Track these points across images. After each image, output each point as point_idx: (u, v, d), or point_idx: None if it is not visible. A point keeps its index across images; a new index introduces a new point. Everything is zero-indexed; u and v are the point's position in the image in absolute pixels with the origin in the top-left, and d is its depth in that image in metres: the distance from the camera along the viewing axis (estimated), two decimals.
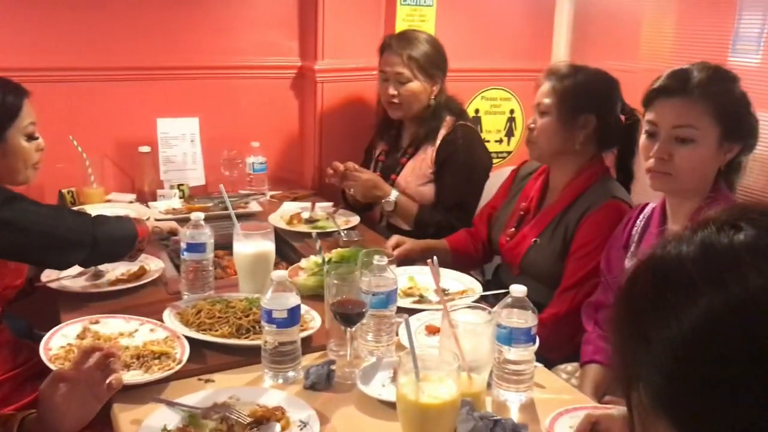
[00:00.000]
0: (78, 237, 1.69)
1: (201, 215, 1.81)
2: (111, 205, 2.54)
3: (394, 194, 2.46)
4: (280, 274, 1.45)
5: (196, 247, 1.79)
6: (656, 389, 0.56)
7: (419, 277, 1.97)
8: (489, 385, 1.40)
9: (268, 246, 1.81)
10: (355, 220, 2.50)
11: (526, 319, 1.40)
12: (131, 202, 2.63)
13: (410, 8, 2.94)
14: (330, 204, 2.65)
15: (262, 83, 2.90)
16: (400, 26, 2.90)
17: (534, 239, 2.05)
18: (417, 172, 2.54)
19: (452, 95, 2.63)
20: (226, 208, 2.50)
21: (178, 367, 1.45)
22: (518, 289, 1.40)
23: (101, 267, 1.94)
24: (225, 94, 2.82)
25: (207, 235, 1.80)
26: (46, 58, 2.53)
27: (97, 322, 1.64)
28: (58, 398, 1.23)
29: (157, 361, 1.47)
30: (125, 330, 1.62)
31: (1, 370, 1.71)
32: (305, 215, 2.50)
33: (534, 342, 1.41)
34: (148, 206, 2.57)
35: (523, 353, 1.40)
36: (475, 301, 1.80)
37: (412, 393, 1.15)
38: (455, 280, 1.98)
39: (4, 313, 1.84)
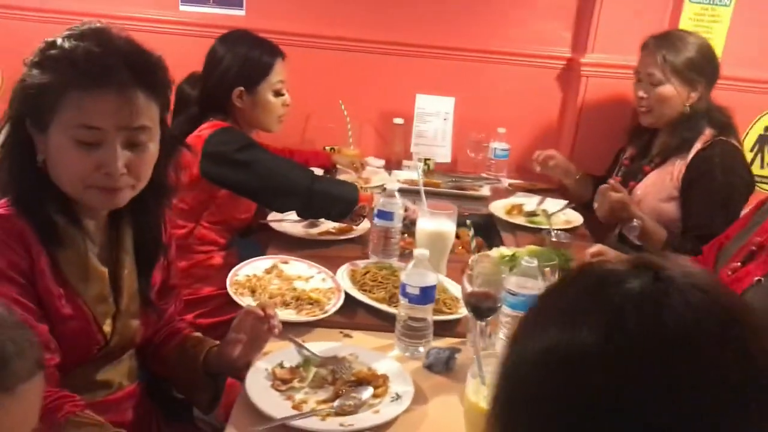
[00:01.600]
0: (294, 187, 1.94)
1: (396, 186, 1.92)
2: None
3: (637, 222, 2.24)
4: (422, 252, 1.49)
5: (385, 215, 1.90)
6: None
7: None
8: None
9: (448, 226, 1.85)
10: (578, 221, 2.39)
11: None
12: (380, 167, 2.85)
13: (700, 7, 2.66)
14: (565, 202, 2.56)
15: (525, 71, 2.88)
16: (684, 25, 2.65)
17: (758, 278, 1.77)
18: (659, 186, 2.32)
19: (722, 106, 2.33)
20: (457, 187, 2.63)
21: (321, 316, 1.59)
22: None
23: (314, 221, 2.18)
24: (483, 77, 2.88)
25: (398, 206, 1.90)
26: (329, 26, 2.84)
27: (286, 263, 1.86)
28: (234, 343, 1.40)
29: (309, 307, 1.63)
30: (304, 274, 1.81)
31: (218, 286, 2.02)
32: (529, 207, 2.47)
33: None
34: (389, 174, 2.76)
35: None
36: None
37: (474, 395, 1.13)
38: None
39: (233, 240, 2.17)
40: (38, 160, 1.21)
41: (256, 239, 2.29)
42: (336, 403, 1.28)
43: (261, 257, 1.88)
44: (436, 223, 1.84)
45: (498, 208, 2.45)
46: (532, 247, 1.99)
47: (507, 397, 0.53)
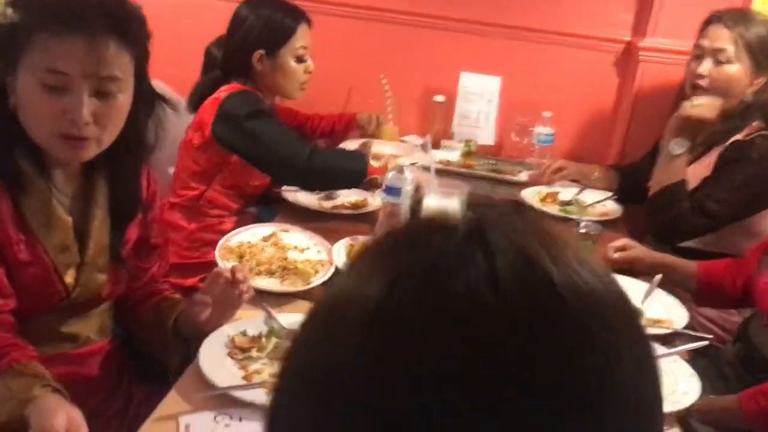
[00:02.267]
0: (292, 161, 1.89)
1: (406, 162, 1.83)
2: (398, 146, 2.69)
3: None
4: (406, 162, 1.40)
5: (392, 191, 1.81)
6: None
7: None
8: None
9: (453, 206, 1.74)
10: (615, 213, 2.23)
11: None
12: (420, 145, 2.75)
13: None
14: (608, 194, 2.39)
15: (579, 54, 2.71)
16: (757, 7, 2.41)
17: None
18: (697, 177, 2.12)
19: None
20: (494, 171, 2.51)
21: (303, 288, 1.52)
22: None
23: (330, 193, 2.12)
24: (533, 58, 2.72)
25: (406, 182, 1.81)
26: None
27: (286, 231, 1.81)
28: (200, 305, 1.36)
29: (294, 277, 1.57)
30: (300, 245, 1.75)
31: None
32: (565, 197, 2.32)
33: None
34: (425, 152, 2.66)
35: None
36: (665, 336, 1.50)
37: None
38: (660, 304, 1.65)
39: (247, 206, 2.14)
40: (9, 104, 1.20)
41: (276, 208, 2.26)
42: None
43: (262, 224, 1.83)
44: (439, 201, 1.74)
45: (530, 194, 2.32)
46: None
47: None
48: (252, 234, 1.77)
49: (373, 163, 1.97)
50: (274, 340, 1.33)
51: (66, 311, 1.34)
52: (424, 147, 2.02)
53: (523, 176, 2.52)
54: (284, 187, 2.11)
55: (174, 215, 2.06)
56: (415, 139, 2.78)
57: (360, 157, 1.98)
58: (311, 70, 2.12)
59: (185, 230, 2.04)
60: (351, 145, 2.63)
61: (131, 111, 1.28)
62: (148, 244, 1.48)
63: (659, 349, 1.44)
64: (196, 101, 2.05)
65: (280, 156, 1.91)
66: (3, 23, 1.17)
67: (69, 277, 1.29)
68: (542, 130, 2.66)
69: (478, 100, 2.76)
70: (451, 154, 2.66)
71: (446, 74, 2.75)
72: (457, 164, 2.57)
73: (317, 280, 1.56)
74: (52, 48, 1.15)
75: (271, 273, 1.58)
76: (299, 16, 2.06)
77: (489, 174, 2.50)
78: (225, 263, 1.60)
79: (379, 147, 2.60)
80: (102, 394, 1.41)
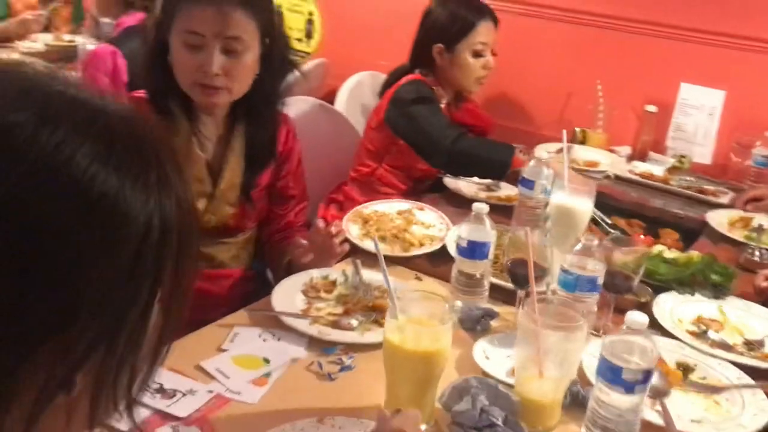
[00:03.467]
0: (436, 144, 2.03)
1: (544, 154, 1.83)
2: (601, 153, 2.62)
3: None
4: (481, 206, 1.44)
5: (527, 183, 1.82)
6: None
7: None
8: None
9: (580, 204, 1.70)
10: None
11: None
12: (625, 156, 2.64)
13: None
14: None
15: None
16: None
17: None
18: None
19: None
20: (695, 189, 2.33)
21: (396, 254, 1.64)
22: None
23: (494, 184, 2.17)
24: (761, 71, 2.43)
25: (543, 175, 1.81)
26: (594, 2, 2.71)
27: (421, 209, 1.93)
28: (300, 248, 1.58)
29: (397, 245, 1.69)
30: (428, 222, 1.85)
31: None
32: (760, 222, 2.06)
33: None
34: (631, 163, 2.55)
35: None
36: None
37: (390, 332, 1.10)
38: None
39: (417, 187, 2.29)
40: (168, 60, 1.53)
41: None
42: (332, 317, 1.36)
43: (402, 200, 1.98)
44: (569, 198, 1.71)
45: (718, 216, 2.10)
46: (695, 253, 1.70)
47: None
48: (389, 206, 1.92)
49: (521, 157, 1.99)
50: (343, 289, 1.48)
51: (203, 234, 1.63)
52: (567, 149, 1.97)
53: (726, 199, 2.28)
54: (445, 179, 2.22)
55: (352, 188, 2.30)
56: (624, 150, 2.68)
57: (508, 148, 2.01)
58: (490, 66, 2.20)
59: (357, 202, 2.26)
60: (550, 147, 2.64)
61: (262, 69, 1.54)
62: (283, 194, 1.73)
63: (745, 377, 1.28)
64: (383, 88, 2.27)
65: (429, 136, 2.04)
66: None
67: (200, 204, 1.59)
68: (761, 152, 2.37)
69: (697, 114, 2.56)
70: (655, 167, 2.51)
71: (664, 84, 2.60)
72: (657, 178, 2.42)
73: (416, 251, 1.66)
74: (191, 13, 1.45)
75: (383, 239, 1.72)
76: (483, 12, 2.16)
77: (684, 192, 2.31)
78: (348, 224, 1.78)
79: (582, 153, 2.59)
80: (224, 310, 1.69)
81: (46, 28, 3.44)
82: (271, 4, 1.53)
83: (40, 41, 3.35)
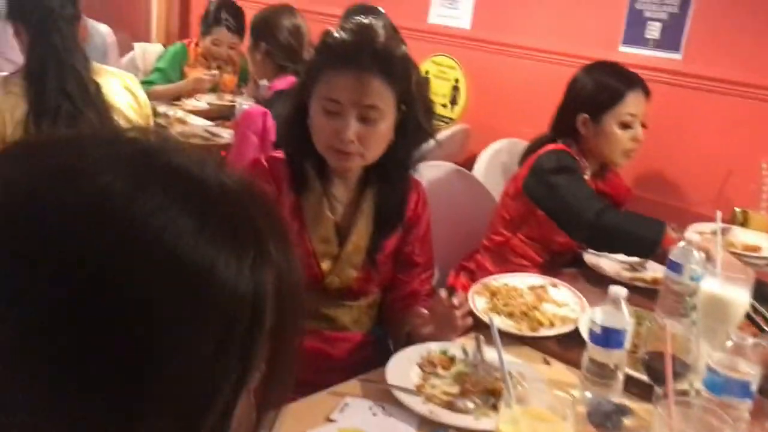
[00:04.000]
0: (579, 215, 1.91)
1: (695, 236, 1.66)
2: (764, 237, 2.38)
3: None
4: (618, 290, 1.32)
5: (673, 266, 1.66)
6: None
7: None
8: None
9: (735, 294, 1.52)
10: None
11: None
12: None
13: None
14: None
15: None
16: None
17: None
18: None
19: None
20: None
21: (524, 333, 1.54)
22: None
23: (640, 263, 2.01)
24: None
25: (691, 259, 1.64)
26: (763, 74, 2.51)
27: (555, 286, 1.82)
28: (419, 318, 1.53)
29: (524, 323, 1.60)
30: (561, 300, 1.74)
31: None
32: None
33: None
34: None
35: None
36: None
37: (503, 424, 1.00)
38: None
39: (554, 261, 2.17)
40: (307, 123, 1.56)
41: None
42: (446, 397, 1.28)
43: (537, 275, 1.87)
44: (720, 287, 1.54)
45: None
46: None
47: None
48: (521, 280, 1.82)
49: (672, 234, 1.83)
50: (462, 367, 1.40)
51: (326, 296, 1.63)
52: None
53: None
54: (587, 254, 2.09)
55: (484, 257, 2.23)
56: None
57: (658, 225, 1.85)
58: (639, 139, 2.08)
59: (488, 272, 2.18)
60: (704, 227, 2.43)
61: (398, 135, 1.53)
62: (409, 260, 1.70)
63: None
64: (523, 157, 2.20)
65: (571, 207, 1.94)
66: (308, 60, 1.54)
67: (325, 265, 1.58)
68: None
69: None
70: None
71: None
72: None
73: (545, 332, 1.55)
74: (331, 81, 1.47)
75: (510, 315, 1.63)
76: (633, 82, 2.05)
77: None
78: (474, 296, 1.70)
79: (742, 236, 2.37)
80: (341, 374, 1.66)
81: (213, 89, 3.69)
82: (409, 72, 1.53)
83: (204, 100, 3.60)
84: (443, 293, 1.49)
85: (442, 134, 2.97)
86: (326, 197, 1.58)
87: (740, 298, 1.53)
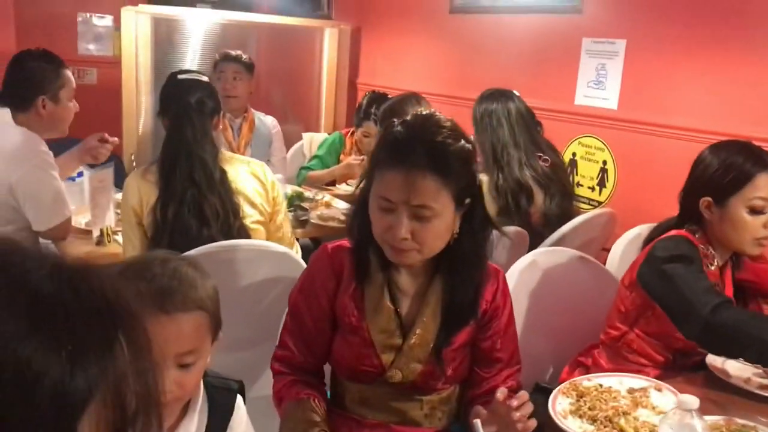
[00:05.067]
0: (693, 308, 1.70)
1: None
2: None
3: None
4: (689, 400, 1.15)
5: None
6: None
7: None
8: None
9: None
10: None
11: None
12: None
13: None
14: None
15: None
16: None
17: None
18: None
19: None
20: None
21: None
22: None
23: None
24: None
25: None
26: None
27: (659, 390, 1.63)
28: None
29: (609, 430, 1.43)
30: (662, 406, 1.54)
31: None
32: None
33: None
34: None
35: None
36: None
37: None
38: None
39: (677, 362, 1.94)
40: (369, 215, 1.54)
41: None
42: None
43: (640, 376, 1.68)
44: None
45: None
46: None
47: None
48: (620, 381, 1.65)
49: None
50: None
51: (393, 389, 1.58)
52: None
53: None
54: (711, 358, 1.84)
55: (600, 353, 2.05)
56: None
57: None
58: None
59: (603, 369, 2.00)
60: None
61: (461, 230, 1.48)
62: (489, 356, 1.61)
63: None
64: (645, 242, 2.03)
65: (683, 300, 1.73)
66: (371, 153, 1.54)
67: (386, 357, 1.54)
68: None
69: None
70: None
71: None
72: None
73: None
74: (384, 179, 1.45)
75: (593, 420, 1.47)
76: (764, 163, 1.82)
77: None
78: (560, 396, 1.57)
79: None
80: None
81: None
82: (470, 166, 1.48)
83: (354, 185, 3.75)
84: (501, 393, 1.38)
85: (577, 219, 2.82)
86: (388, 287, 1.55)
87: None
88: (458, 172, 1.44)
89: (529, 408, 1.38)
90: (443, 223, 1.45)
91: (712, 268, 1.90)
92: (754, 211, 1.82)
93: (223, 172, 2.22)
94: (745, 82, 2.74)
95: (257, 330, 2.05)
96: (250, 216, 2.27)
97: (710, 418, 1.46)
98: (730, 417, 1.49)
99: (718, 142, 1.96)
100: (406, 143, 1.44)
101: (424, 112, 1.56)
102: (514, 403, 1.35)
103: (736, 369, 1.77)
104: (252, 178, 2.34)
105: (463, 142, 1.47)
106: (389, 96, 3.67)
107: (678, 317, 1.77)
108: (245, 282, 2.10)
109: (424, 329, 1.55)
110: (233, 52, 3.79)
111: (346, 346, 1.57)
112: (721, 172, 1.86)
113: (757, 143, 1.95)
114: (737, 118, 2.75)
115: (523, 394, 1.39)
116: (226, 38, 4.55)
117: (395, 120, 1.53)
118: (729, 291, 1.96)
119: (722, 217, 1.86)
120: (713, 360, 1.80)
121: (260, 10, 5.07)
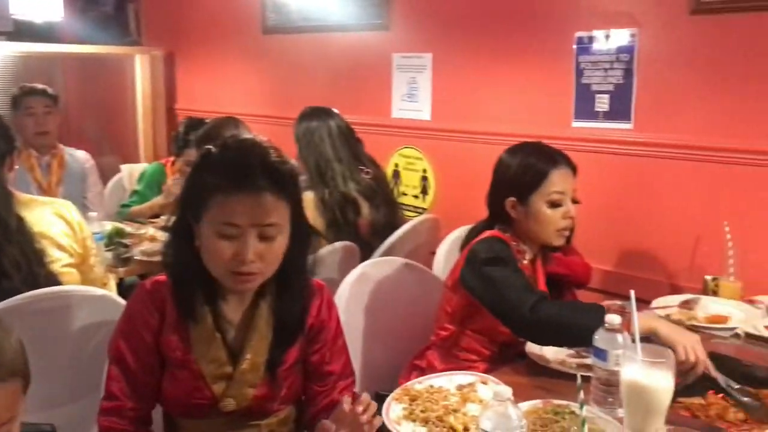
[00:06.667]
0: (517, 308, 1.81)
1: (617, 319, 1.56)
2: (734, 305, 2.24)
3: None
4: (503, 390, 1.22)
5: (599, 353, 1.57)
6: None
7: None
8: None
9: (658, 381, 1.40)
10: None
11: None
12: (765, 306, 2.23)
13: None
14: None
15: None
16: None
17: None
18: None
19: None
20: None
21: None
22: None
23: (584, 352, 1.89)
24: None
25: (616, 343, 1.54)
26: (719, 138, 2.43)
27: (485, 383, 1.71)
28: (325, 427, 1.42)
29: (439, 431, 1.49)
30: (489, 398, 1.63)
31: None
32: None
33: None
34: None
35: None
36: None
37: None
38: None
39: (503, 354, 2.05)
40: (195, 245, 1.51)
41: None
42: None
43: (466, 372, 1.77)
44: (644, 374, 1.42)
45: None
46: None
47: None
48: (449, 380, 1.72)
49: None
50: None
51: (231, 418, 1.54)
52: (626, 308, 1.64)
53: None
54: (528, 344, 1.97)
55: (433, 354, 2.13)
56: (763, 298, 2.27)
57: (597, 311, 1.73)
58: (571, 215, 2.00)
59: (437, 370, 2.07)
60: (673, 299, 2.31)
61: (290, 246, 1.49)
62: (320, 370, 1.62)
63: None
64: (463, 244, 2.14)
65: (505, 302, 1.85)
66: (191, 183, 1.50)
67: (218, 388, 1.51)
68: None
69: None
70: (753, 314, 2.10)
71: None
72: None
73: None
74: (226, 205, 1.41)
75: (425, 421, 1.52)
76: (555, 160, 1.99)
77: None
78: (392, 403, 1.61)
79: (712, 306, 2.24)
80: None
81: None
82: (296, 180, 1.51)
83: None
84: (346, 402, 1.40)
85: (404, 227, 2.93)
86: (215, 319, 1.52)
87: (663, 383, 1.40)
88: (292, 191, 1.47)
89: (374, 408, 1.41)
90: (284, 240, 1.47)
91: (525, 262, 2.04)
92: (554, 204, 1.99)
93: (21, 219, 2.05)
94: (537, 87, 2.99)
95: (81, 381, 1.91)
96: (59, 260, 2.13)
97: (529, 403, 1.56)
98: (548, 399, 1.59)
99: (514, 145, 2.12)
100: (244, 166, 1.43)
101: (242, 137, 1.56)
102: (360, 408, 1.37)
103: (553, 353, 1.91)
104: (58, 220, 2.20)
105: (290, 162, 1.51)
106: (207, 120, 3.60)
107: (502, 316, 1.88)
108: (62, 331, 1.95)
109: (254, 353, 1.53)
110: (38, 86, 3.55)
111: (175, 382, 1.52)
112: (519, 172, 2.01)
113: (547, 142, 2.12)
114: (532, 120, 2.98)
115: (366, 397, 1.41)
116: (28, 71, 4.25)
117: (211, 147, 1.51)
118: (542, 281, 2.11)
119: (527, 214, 2.00)
120: (532, 347, 1.93)
121: (64, 40, 4.78)
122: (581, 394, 1.30)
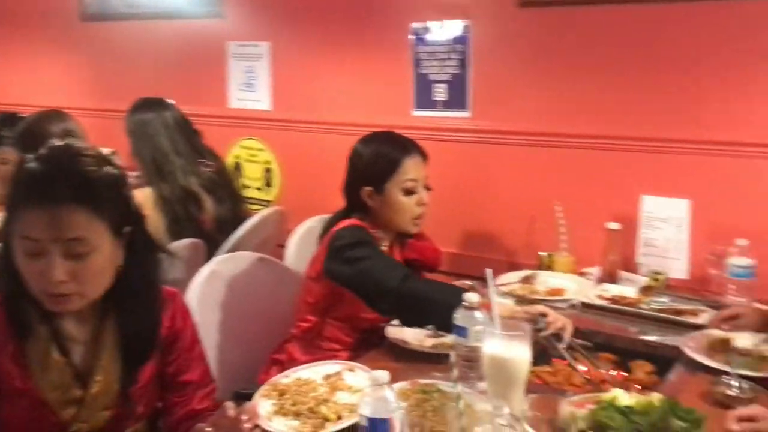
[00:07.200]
0: (383, 284, 1.84)
1: (475, 297, 1.63)
2: (569, 278, 2.42)
3: None
4: (380, 375, 1.24)
5: (459, 330, 1.63)
6: None
7: None
8: None
9: (517, 353, 1.48)
10: None
11: None
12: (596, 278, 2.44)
13: None
14: None
15: None
16: None
17: None
18: None
19: None
20: (669, 311, 2.11)
21: None
22: None
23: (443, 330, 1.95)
24: (726, 176, 2.27)
25: (475, 321, 1.61)
26: (549, 123, 2.61)
27: (352, 371, 1.72)
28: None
29: (311, 421, 1.48)
30: (357, 385, 1.64)
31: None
32: (743, 344, 1.82)
33: None
34: (601, 286, 2.34)
35: None
36: None
37: None
38: None
39: (364, 340, 2.07)
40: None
41: None
42: None
43: (334, 362, 1.77)
44: (502, 347, 1.50)
45: (694, 340, 1.87)
46: (656, 396, 1.45)
47: None
48: (314, 371, 1.71)
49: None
50: None
51: None
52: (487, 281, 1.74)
53: (704, 318, 2.05)
54: (389, 326, 2.01)
55: (294, 347, 2.10)
56: (596, 271, 2.47)
57: (457, 291, 1.80)
58: (424, 203, 2.06)
59: (299, 362, 2.05)
60: (514, 276, 2.45)
61: (126, 261, 1.39)
62: (177, 380, 1.53)
63: None
64: (321, 235, 2.13)
65: (373, 279, 1.87)
66: (9, 196, 1.34)
67: (67, 413, 1.38)
68: (737, 262, 2.16)
69: (665, 227, 2.38)
70: (628, 288, 2.30)
71: (625, 199, 2.46)
72: (628, 301, 2.21)
73: (332, 427, 1.44)
74: (26, 218, 1.28)
75: (297, 414, 1.51)
76: (407, 148, 2.04)
77: (656, 315, 2.09)
78: (261, 400, 1.57)
79: (550, 280, 2.40)
80: None
81: None
82: (122, 190, 1.39)
83: None
84: (228, 406, 1.34)
85: (250, 221, 2.86)
86: (55, 339, 1.39)
87: (521, 354, 1.49)
88: (109, 199, 1.34)
89: (258, 418, 1.36)
90: (102, 257, 1.33)
91: (384, 248, 2.07)
92: (408, 192, 2.03)
93: None
94: (377, 77, 3.04)
95: None
96: None
97: (397, 386, 1.58)
98: (415, 380, 1.63)
99: (366, 135, 2.14)
100: (44, 178, 1.30)
101: (61, 144, 1.41)
102: (244, 417, 1.31)
103: (411, 334, 1.95)
104: None
105: (109, 167, 1.37)
106: (23, 115, 3.28)
107: (371, 296, 1.89)
108: None
109: (105, 375, 1.41)
110: None
111: (14, 412, 1.37)
112: (373, 162, 2.04)
113: (398, 131, 2.17)
114: (374, 110, 3.02)
115: (253, 405, 1.37)
116: None
117: (30, 156, 1.37)
118: None
119: (383, 202, 2.04)
120: (392, 330, 1.96)
121: None
122: (455, 371, 1.34)
